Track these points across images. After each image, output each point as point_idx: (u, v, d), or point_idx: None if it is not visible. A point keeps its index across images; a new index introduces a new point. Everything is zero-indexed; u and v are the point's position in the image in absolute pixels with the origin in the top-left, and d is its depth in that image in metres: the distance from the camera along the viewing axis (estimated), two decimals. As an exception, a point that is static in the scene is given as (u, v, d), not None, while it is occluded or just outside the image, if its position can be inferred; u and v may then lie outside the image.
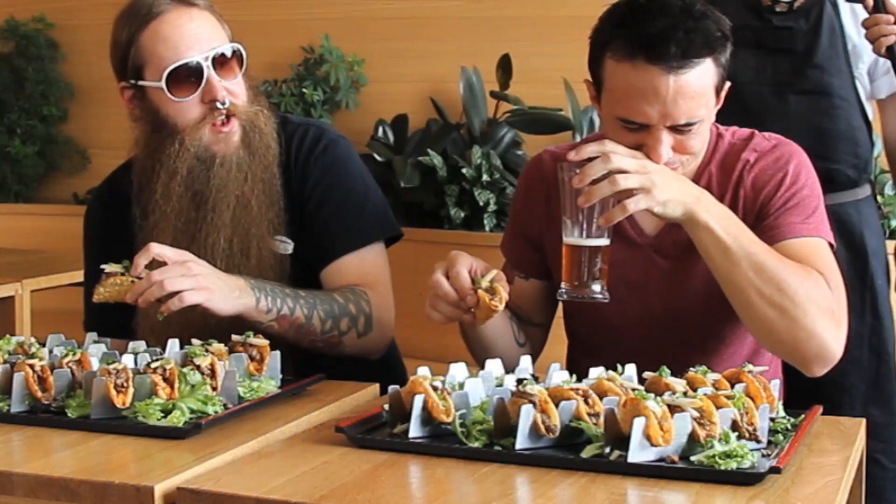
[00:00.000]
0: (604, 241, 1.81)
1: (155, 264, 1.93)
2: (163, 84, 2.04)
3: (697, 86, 1.81)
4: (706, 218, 1.79)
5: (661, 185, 1.76)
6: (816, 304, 1.79)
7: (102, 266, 1.95)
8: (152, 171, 2.11)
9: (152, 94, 2.09)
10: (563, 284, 1.84)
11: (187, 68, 2.05)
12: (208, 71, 2.05)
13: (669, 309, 1.98)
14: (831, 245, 1.92)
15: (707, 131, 1.91)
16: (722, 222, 1.80)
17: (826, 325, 1.79)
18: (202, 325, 2.00)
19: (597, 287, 1.82)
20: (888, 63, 2.67)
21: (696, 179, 1.92)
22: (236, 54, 2.10)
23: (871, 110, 2.81)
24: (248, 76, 2.15)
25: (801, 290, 1.78)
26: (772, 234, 1.87)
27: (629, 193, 1.75)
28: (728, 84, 1.89)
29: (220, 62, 2.07)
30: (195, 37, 2.06)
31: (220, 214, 2.09)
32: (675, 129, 1.83)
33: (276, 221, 2.14)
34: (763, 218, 1.91)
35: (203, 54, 2.05)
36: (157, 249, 1.92)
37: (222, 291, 1.94)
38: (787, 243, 1.86)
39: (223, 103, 2.06)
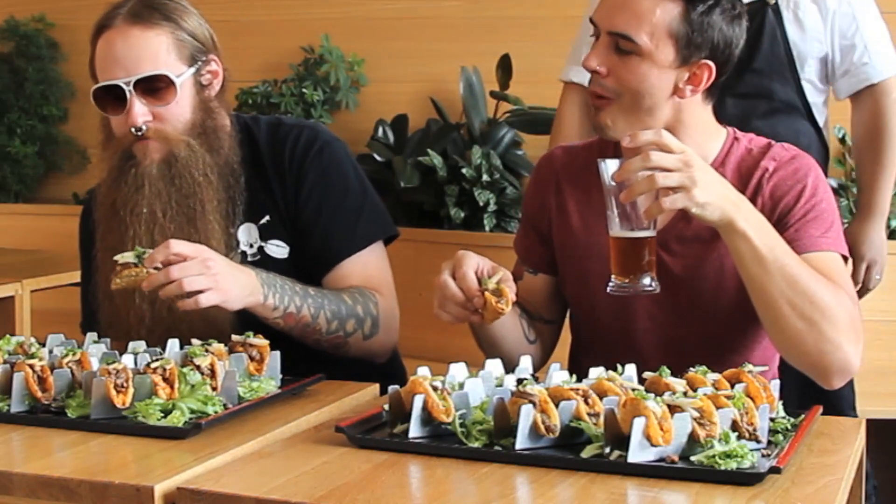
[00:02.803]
0: (650, 233, 1.80)
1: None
2: (91, 99, 2.07)
3: (648, 10, 1.85)
4: (744, 227, 1.75)
5: (703, 184, 1.71)
6: (843, 319, 1.78)
7: (115, 258, 1.94)
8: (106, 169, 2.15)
9: None
10: (612, 278, 1.82)
11: (110, 89, 2.05)
12: (130, 96, 2.04)
13: (673, 306, 1.97)
14: (845, 258, 1.91)
15: (649, 79, 1.89)
16: (759, 231, 1.77)
17: (850, 339, 1.79)
18: (207, 324, 2.00)
19: (646, 280, 1.81)
20: (844, 65, 2.76)
21: None
22: (165, 80, 2.05)
23: (823, 115, 2.85)
24: (204, 98, 2.12)
25: (833, 304, 1.77)
26: (791, 246, 1.84)
27: (670, 190, 1.72)
28: (710, 64, 1.89)
29: (147, 87, 2.05)
30: (124, 58, 2.04)
31: (132, 224, 2.08)
32: (617, 46, 1.88)
33: None
34: (782, 229, 1.87)
35: (127, 78, 2.04)
36: (176, 248, 1.89)
37: (235, 291, 1.93)
38: (806, 256, 1.84)
39: (139, 130, 2.05)
